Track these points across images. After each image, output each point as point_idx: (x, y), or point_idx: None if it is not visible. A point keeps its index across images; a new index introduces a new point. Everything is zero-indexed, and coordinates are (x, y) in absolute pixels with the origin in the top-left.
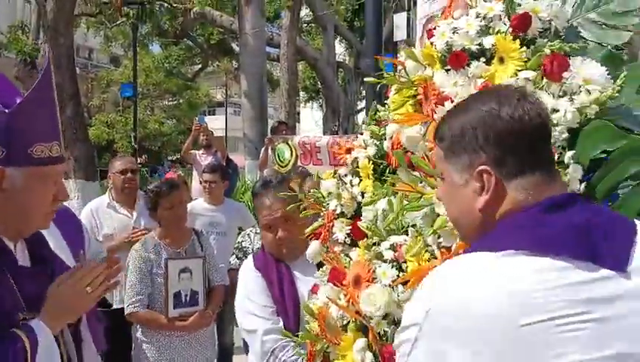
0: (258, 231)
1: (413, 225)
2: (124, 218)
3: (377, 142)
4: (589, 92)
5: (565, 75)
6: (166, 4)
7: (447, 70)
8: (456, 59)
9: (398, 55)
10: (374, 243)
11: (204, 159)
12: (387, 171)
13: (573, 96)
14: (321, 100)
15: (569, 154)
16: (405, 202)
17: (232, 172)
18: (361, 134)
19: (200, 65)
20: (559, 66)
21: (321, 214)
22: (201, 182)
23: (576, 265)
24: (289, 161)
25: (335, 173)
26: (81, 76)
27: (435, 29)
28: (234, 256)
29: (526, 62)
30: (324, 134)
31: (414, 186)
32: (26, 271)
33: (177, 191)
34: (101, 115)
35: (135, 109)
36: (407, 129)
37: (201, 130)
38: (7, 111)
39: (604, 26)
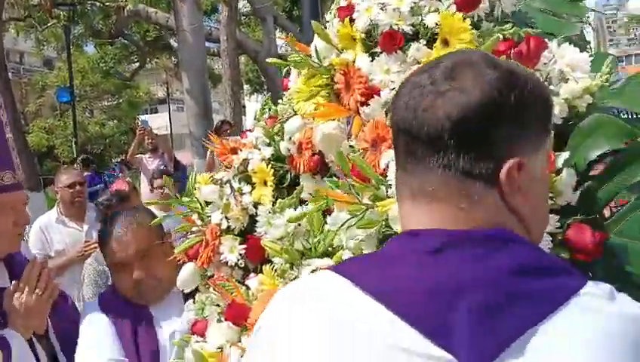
0: None
1: (334, 246)
2: (74, 232)
3: (272, 142)
4: (575, 81)
5: (542, 60)
6: (98, 4)
7: (372, 54)
8: (390, 41)
9: None
10: (290, 268)
11: (151, 163)
12: (289, 177)
13: (553, 86)
14: (265, 93)
15: (562, 156)
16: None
17: (182, 175)
18: (250, 131)
19: (138, 64)
20: (537, 48)
21: (195, 229)
22: (151, 190)
23: (407, 331)
24: None
25: (212, 177)
26: (13, 82)
27: (348, 6)
28: None
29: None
30: None
31: (358, 198)
32: (2, 291)
33: (127, 203)
34: (39, 120)
35: (74, 114)
36: (322, 125)
37: (146, 133)
38: None
39: (550, 14)
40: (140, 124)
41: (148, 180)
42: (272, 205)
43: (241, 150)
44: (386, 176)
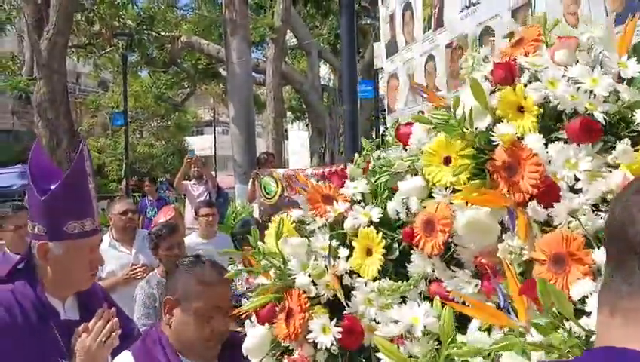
0: None
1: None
2: (124, 255)
3: (377, 198)
4: None
5: None
6: (154, 34)
7: (549, 138)
8: (586, 131)
9: (380, 82)
10: None
11: (196, 189)
12: (397, 247)
13: None
14: (307, 120)
15: None
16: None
17: (223, 201)
18: (345, 178)
19: (188, 90)
20: None
21: (269, 284)
22: (196, 217)
23: None
24: (275, 193)
25: (301, 223)
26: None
27: (507, 63)
28: None
29: None
30: (310, 155)
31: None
32: (71, 323)
33: (176, 233)
34: (91, 139)
35: (126, 136)
36: (469, 210)
37: (192, 162)
38: (42, 198)
39: None
40: (188, 154)
41: (192, 206)
42: (373, 279)
43: (336, 200)
44: (585, 312)
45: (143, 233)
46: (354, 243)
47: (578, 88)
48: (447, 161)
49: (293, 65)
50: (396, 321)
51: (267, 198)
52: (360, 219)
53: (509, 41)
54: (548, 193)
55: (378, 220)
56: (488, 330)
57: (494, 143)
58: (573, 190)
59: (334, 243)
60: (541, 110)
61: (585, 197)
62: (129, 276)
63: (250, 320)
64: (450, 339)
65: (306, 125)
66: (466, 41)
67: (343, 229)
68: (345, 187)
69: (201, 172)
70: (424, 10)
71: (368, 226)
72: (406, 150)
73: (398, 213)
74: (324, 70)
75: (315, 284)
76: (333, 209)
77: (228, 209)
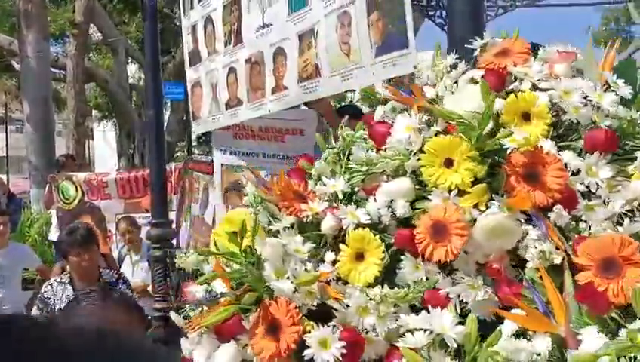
0: (62, 281)
1: None
2: None
3: (357, 199)
4: None
5: None
6: None
7: (561, 145)
8: (609, 142)
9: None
10: None
11: None
12: (387, 254)
13: None
14: (114, 120)
15: None
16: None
17: (15, 208)
18: (303, 174)
19: None
20: None
21: (229, 294)
22: None
23: None
24: (74, 198)
25: (255, 220)
26: None
27: (496, 70)
28: (35, 307)
29: None
30: (118, 157)
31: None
32: None
33: None
34: None
35: None
36: (490, 215)
37: None
38: None
39: None
40: None
41: None
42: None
43: (310, 199)
44: None
45: None
46: (340, 247)
47: (585, 101)
48: (448, 162)
49: (99, 62)
50: (411, 331)
51: (65, 203)
52: (349, 223)
53: (483, 52)
54: (569, 199)
55: (368, 221)
56: (519, 336)
57: (505, 147)
58: (586, 196)
59: (310, 245)
60: (554, 118)
61: (619, 203)
62: None
63: (201, 336)
64: (477, 349)
65: (114, 125)
66: (262, 57)
67: (318, 230)
68: (316, 185)
69: None
70: (224, 26)
71: (356, 228)
72: (379, 150)
73: (379, 216)
74: (133, 69)
75: (295, 292)
76: (309, 208)
77: (21, 216)
